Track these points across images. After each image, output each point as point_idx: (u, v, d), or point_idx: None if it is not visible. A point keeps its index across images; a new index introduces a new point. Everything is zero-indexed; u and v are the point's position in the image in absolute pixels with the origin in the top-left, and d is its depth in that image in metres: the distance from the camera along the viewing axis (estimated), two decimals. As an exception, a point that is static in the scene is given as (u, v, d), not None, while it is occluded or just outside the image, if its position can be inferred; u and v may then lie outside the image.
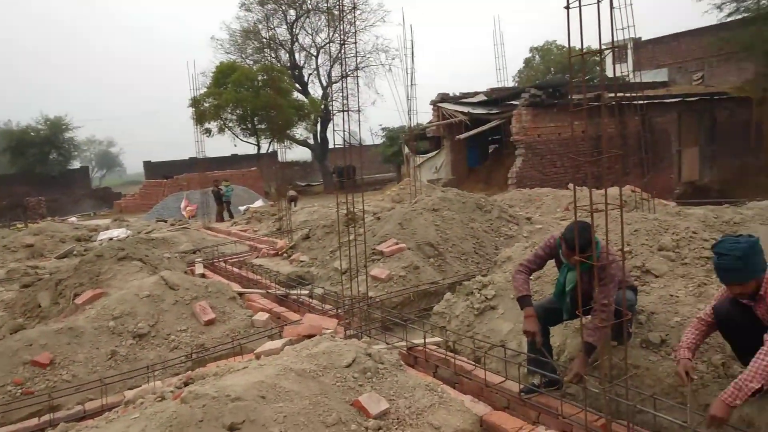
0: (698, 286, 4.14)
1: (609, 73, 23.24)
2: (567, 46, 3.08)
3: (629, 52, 17.23)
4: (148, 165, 39.06)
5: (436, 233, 7.48)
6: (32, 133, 35.58)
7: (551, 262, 3.95)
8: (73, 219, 21.51)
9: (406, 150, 22.19)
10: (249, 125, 30.57)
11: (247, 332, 5.31)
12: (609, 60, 24.89)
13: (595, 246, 3.28)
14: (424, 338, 4.60)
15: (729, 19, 18.41)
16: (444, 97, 21.08)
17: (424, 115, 26.17)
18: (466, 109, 19.31)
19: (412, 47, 12.20)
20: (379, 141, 34.35)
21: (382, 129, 33.27)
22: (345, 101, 5.61)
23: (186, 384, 3.32)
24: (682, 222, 4.88)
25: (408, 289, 6.35)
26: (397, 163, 30.60)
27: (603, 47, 2.78)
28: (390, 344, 4.85)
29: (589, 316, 3.40)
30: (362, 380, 3.35)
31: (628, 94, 11.94)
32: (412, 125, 13.71)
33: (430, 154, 22.10)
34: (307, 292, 6.71)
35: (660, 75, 23.51)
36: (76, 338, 4.71)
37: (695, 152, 19.21)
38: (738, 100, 19.01)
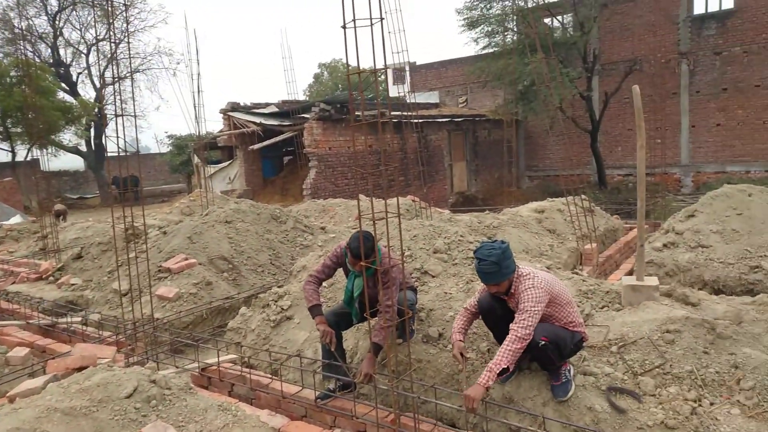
0: (467, 283, 4.72)
1: (390, 93, 25.24)
2: (349, 64, 3.28)
3: (407, 74, 18.96)
4: None
5: (229, 246, 7.25)
6: None
7: (342, 270, 4.13)
8: None
9: (197, 159, 21.10)
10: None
11: (0, 372, 4.47)
12: (390, 81, 27.04)
13: (377, 252, 3.53)
14: (218, 356, 4.42)
15: (484, 52, 21.53)
16: (234, 107, 20.59)
17: (214, 123, 25.23)
18: (258, 120, 19.13)
19: (197, 53, 11.70)
20: (165, 149, 31.92)
21: (168, 136, 30.99)
22: (120, 104, 5.12)
23: None
24: (452, 227, 5.53)
25: (200, 307, 6.03)
26: (186, 173, 28.83)
27: (381, 68, 3.02)
28: (180, 367, 4.55)
29: (376, 318, 3.64)
30: (146, 410, 3.09)
31: (407, 113, 13.14)
32: (201, 133, 13.09)
33: (222, 164, 21.34)
34: (79, 319, 5.93)
35: (432, 97, 26.37)
36: None
37: (463, 166, 21.96)
38: (494, 122, 22.29)
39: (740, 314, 3.93)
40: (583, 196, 8.47)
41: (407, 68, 25.95)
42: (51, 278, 8.01)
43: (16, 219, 18.02)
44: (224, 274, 6.83)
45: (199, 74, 11.91)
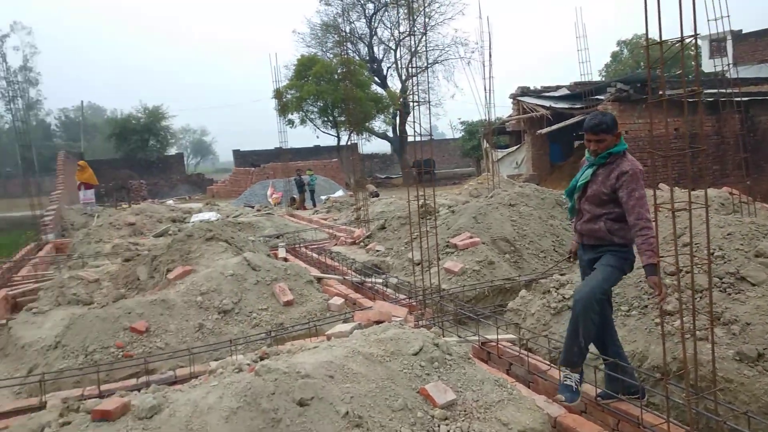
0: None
1: (705, 67, 21.59)
2: (657, 38, 2.85)
3: (729, 44, 15.84)
4: (237, 153, 41.09)
5: (512, 228, 7.34)
6: (133, 121, 38.37)
7: None
8: (170, 202, 23.02)
9: (486, 144, 21.86)
10: (329, 117, 31.27)
11: (323, 315, 5.48)
12: (705, 53, 23.06)
13: (617, 138, 3.34)
14: (497, 334, 4.54)
15: None
16: (524, 91, 20.53)
17: (504, 109, 25.62)
18: (547, 104, 18.71)
19: (490, 40, 11.98)
20: (458, 135, 34.02)
21: (461, 122, 32.88)
22: (414, 94, 5.61)
23: (261, 359, 3.49)
24: (786, 227, 4.48)
25: (482, 284, 6.28)
26: (476, 158, 30.23)
27: (690, 36, 2.57)
28: (462, 337, 4.83)
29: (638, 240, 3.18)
30: (429, 369, 3.36)
31: (726, 90, 11.05)
32: (490, 119, 13.48)
33: (510, 149, 21.65)
34: (381, 280, 6.80)
35: (763, 71, 21.53)
36: (168, 310, 5.07)
37: (808, 154, 17.47)
38: None
39: None
40: None
41: (728, 37, 21.78)
42: (361, 244, 9.41)
43: (339, 193, 21.69)
44: (506, 256, 6.95)
45: (491, 61, 12.24)
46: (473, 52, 31.16)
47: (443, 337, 4.92)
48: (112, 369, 4.35)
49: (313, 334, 4.95)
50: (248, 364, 3.29)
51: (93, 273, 7.50)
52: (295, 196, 20.46)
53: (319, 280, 6.73)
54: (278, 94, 26.09)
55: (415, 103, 5.33)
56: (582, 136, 18.62)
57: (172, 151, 42.76)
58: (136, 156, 37.00)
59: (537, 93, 20.65)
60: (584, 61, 20.34)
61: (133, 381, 4.16)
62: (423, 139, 5.51)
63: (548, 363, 4.22)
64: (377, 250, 8.65)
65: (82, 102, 55.58)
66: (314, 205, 19.55)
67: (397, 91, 33.05)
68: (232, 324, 5.17)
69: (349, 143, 31.60)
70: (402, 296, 6.14)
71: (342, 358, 3.28)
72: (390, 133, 35.03)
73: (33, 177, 20.51)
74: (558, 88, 20.93)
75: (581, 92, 17.88)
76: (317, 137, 34.60)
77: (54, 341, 4.88)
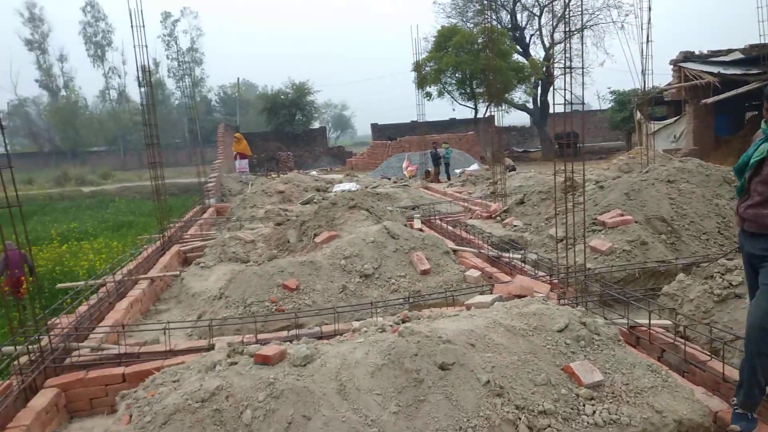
0: None
1: None
2: None
3: None
4: (375, 127, 42.34)
5: (670, 207, 6.71)
6: (282, 96, 41.03)
7: None
8: (313, 172, 24.51)
9: (639, 116, 20.05)
10: (467, 89, 30.71)
11: (459, 285, 5.49)
12: None
13: None
14: (649, 318, 4.21)
15: None
16: (687, 56, 18.36)
17: (661, 77, 23.30)
18: (715, 69, 16.56)
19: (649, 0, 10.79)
20: (606, 105, 31.60)
21: (611, 92, 30.43)
22: (562, 61, 5.24)
23: (403, 321, 3.60)
24: None
25: (633, 265, 5.84)
26: (626, 130, 27.93)
27: None
28: (609, 320, 4.56)
29: None
30: (575, 347, 3.23)
31: None
32: (646, 88, 12.27)
33: (667, 121, 19.67)
34: (519, 256, 6.63)
35: None
36: (315, 271, 5.44)
37: None
38: None
39: None
40: None
41: None
42: (498, 218, 9.23)
43: (474, 167, 21.44)
44: (662, 236, 6.38)
45: (650, 21, 11.08)
46: (627, 14, 28.56)
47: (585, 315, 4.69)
48: (267, 321, 4.79)
49: (449, 304, 4.99)
50: (391, 326, 3.42)
51: (249, 234, 8.27)
52: (430, 168, 20.61)
53: (455, 251, 6.74)
54: (417, 67, 26.20)
55: (567, 69, 5.00)
56: (758, 105, 16.52)
57: (316, 125, 45.13)
58: (284, 129, 39.67)
59: (703, 58, 18.40)
60: (764, 20, 17.60)
61: (284, 333, 4.54)
62: (573, 109, 5.17)
63: (708, 353, 3.84)
64: (515, 225, 8.43)
65: (238, 79, 60.68)
66: (449, 178, 19.54)
67: (540, 59, 31.43)
68: (372, 288, 5.40)
69: (486, 115, 30.92)
70: (541, 273, 5.93)
71: (483, 328, 3.28)
72: (530, 105, 33.55)
73: (198, 147, 22.99)
74: (729, 52, 18.44)
75: (759, 56, 15.57)
76: (454, 110, 34.31)
77: (218, 293, 5.49)
